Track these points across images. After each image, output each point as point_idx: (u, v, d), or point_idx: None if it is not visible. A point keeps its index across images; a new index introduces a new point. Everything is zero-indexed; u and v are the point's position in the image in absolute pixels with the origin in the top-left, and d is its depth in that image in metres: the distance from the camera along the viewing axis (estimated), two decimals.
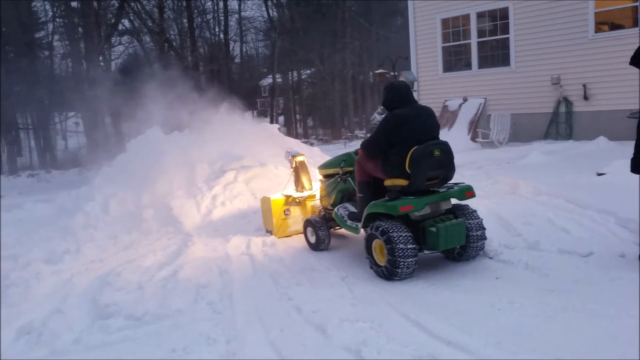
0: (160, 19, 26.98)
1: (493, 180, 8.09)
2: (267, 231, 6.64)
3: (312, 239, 5.92)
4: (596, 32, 11.59)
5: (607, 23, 11.74)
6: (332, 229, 6.11)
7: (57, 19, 27.67)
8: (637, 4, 10.91)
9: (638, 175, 4.61)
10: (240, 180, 7.81)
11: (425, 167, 4.68)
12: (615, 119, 10.83)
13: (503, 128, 12.85)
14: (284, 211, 6.48)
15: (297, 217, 6.56)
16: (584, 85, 11.71)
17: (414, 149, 4.67)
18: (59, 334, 4.19)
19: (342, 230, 6.17)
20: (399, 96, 5.00)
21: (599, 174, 7.29)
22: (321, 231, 5.82)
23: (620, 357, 3.09)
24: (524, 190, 7.31)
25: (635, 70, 10.68)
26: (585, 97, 11.78)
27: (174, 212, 7.33)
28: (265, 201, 6.59)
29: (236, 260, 5.72)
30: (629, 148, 5.07)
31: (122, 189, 8.10)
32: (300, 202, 6.59)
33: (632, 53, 4.63)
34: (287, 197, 6.54)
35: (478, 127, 13.18)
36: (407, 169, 4.70)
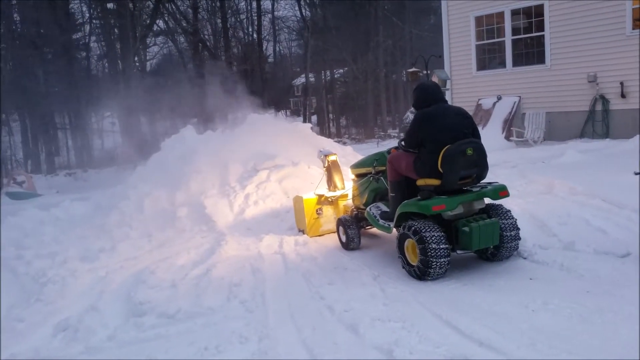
0: (195, 19, 27.35)
1: (527, 180, 7.96)
2: (300, 230, 6.68)
3: (344, 238, 5.94)
4: (634, 29, 11.27)
5: None
6: (364, 229, 6.11)
7: (94, 21, 28.28)
8: None
9: None
10: (273, 179, 7.87)
11: (458, 166, 4.64)
12: None
13: (538, 127, 12.63)
14: (317, 210, 6.50)
15: (329, 216, 6.57)
16: (621, 83, 11.41)
17: (446, 147, 4.64)
18: (94, 330, 4.29)
19: (374, 230, 6.15)
20: (427, 96, 5.01)
21: (637, 173, 7.07)
22: (351, 230, 5.83)
23: None
24: (559, 190, 7.17)
25: None
26: (623, 95, 11.48)
27: (208, 210, 7.43)
28: (298, 200, 6.62)
29: (269, 259, 5.77)
30: None
31: (157, 187, 8.24)
32: (333, 202, 6.60)
33: None
34: (320, 196, 6.55)
35: (512, 126, 12.97)
36: (440, 168, 4.66)
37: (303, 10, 35.34)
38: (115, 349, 4.03)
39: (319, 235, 6.51)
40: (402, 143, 5.24)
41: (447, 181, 4.68)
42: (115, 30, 25.95)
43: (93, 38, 28.79)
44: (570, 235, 5.39)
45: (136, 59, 26.05)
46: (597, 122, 12.01)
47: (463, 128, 4.87)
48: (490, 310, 3.94)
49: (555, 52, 12.58)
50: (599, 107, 11.95)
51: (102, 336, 4.21)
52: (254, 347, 3.74)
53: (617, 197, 6.24)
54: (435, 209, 4.60)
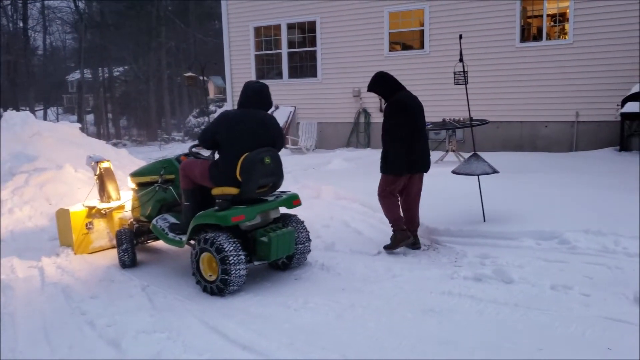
0: None
1: (300, 185, 8.40)
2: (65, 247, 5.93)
3: (123, 255, 5.38)
4: (390, 51, 12.75)
5: (399, 43, 12.98)
6: (143, 243, 5.74)
7: None
8: (423, 28, 12.23)
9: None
10: (32, 184, 7.10)
11: (257, 174, 4.53)
12: None
13: (310, 136, 13.49)
14: (86, 225, 5.82)
15: (101, 231, 5.94)
16: (380, 98, 12.77)
17: (244, 155, 4.52)
18: None
19: (155, 243, 5.95)
20: (246, 97, 4.81)
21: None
22: (127, 245, 5.34)
23: (396, 348, 3.41)
24: (326, 195, 7.75)
25: (421, 87, 11.87)
26: (381, 110, 12.85)
27: None
28: (63, 214, 5.84)
29: (23, 274, 5.20)
30: None
31: None
32: (106, 214, 5.98)
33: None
34: (90, 208, 5.87)
35: (288, 134, 13.65)
36: (239, 177, 4.51)
37: (78, 2, 32.83)
38: None
39: (90, 254, 5.84)
40: (196, 142, 4.94)
41: (245, 190, 4.53)
42: None
43: None
44: (332, 236, 5.88)
45: None
46: (361, 133, 13.27)
47: (263, 137, 4.72)
48: (256, 313, 4.08)
49: (326, 67, 13.58)
50: (362, 119, 13.23)
51: None
52: None
53: (373, 202, 6.88)
54: (234, 219, 4.41)
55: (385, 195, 5.41)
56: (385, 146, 5.36)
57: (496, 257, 4.88)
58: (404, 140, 5.24)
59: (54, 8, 35.48)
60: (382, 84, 5.45)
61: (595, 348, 3.27)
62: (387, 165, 5.33)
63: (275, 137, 4.84)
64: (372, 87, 5.50)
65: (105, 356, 3.52)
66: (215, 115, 16.70)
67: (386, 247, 5.36)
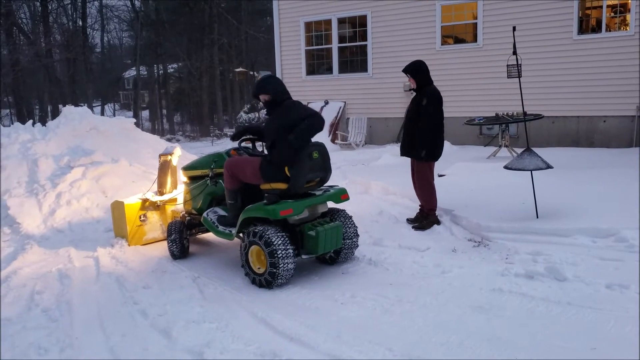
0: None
1: (349, 180, 8.42)
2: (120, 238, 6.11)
3: (171, 246, 5.51)
4: (442, 44, 12.52)
5: (451, 36, 12.72)
6: (195, 235, 5.85)
7: None
8: (476, 21, 11.95)
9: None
10: (89, 177, 7.35)
11: (305, 169, 4.58)
12: (457, 126, 11.76)
13: (360, 131, 13.41)
14: (140, 217, 5.96)
15: (155, 223, 6.08)
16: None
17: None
18: None
19: (205, 235, 6.06)
20: (284, 88, 4.78)
21: (440, 175, 7.88)
22: (175, 236, 5.46)
23: (444, 344, 3.36)
24: (374, 190, 7.73)
25: (473, 80, 11.62)
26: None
27: (12, 211, 6.72)
28: (118, 206, 5.99)
29: (79, 264, 5.41)
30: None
31: None
32: (159, 207, 6.12)
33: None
34: (144, 201, 6.01)
35: (338, 130, 13.63)
36: (287, 172, 4.56)
37: (135, 1, 33.78)
38: None
39: (143, 245, 5.99)
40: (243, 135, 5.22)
41: (294, 185, 4.56)
42: None
43: None
44: (381, 231, 5.85)
45: None
46: None
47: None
48: (303, 306, 4.11)
49: (377, 61, 13.47)
50: None
51: None
52: (54, 358, 3.49)
53: None
54: (283, 213, 4.44)
55: (431, 183, 6.02)
56: (428, 134, 5.86)
57: (549, 255, 4.74)
58: (441, 128, 5.93)
59: (112, 7, 36.96)
60: (424, 71, 6.19)
61: None
62: (435, 152, 5.91)
63: None
64: (413, 70, 6.20)
65: (156, 344, 3.62)
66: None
67: (416, 227, 5.94)
